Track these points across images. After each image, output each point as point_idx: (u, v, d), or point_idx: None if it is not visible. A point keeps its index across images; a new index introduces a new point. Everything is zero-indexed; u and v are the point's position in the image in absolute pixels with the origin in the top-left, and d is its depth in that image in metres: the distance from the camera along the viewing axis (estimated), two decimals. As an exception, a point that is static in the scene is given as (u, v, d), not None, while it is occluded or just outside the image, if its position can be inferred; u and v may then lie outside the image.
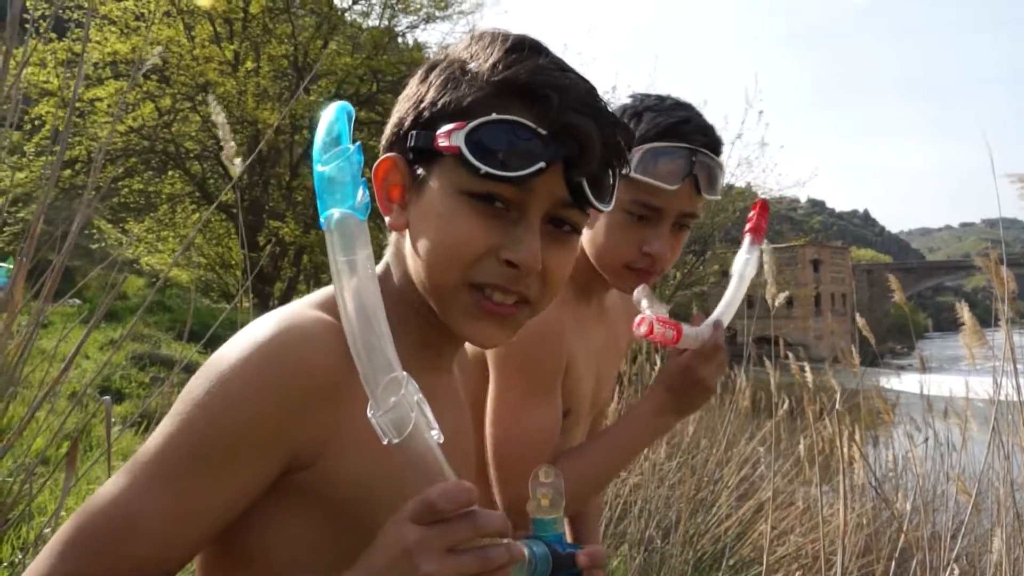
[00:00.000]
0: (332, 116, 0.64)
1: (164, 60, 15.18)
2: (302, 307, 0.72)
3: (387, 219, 0.75)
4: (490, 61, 0.70)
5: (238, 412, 0.63)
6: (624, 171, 1.09)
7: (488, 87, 0.69)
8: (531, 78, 0.69)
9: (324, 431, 0.66)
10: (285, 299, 17.07)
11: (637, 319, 1.09)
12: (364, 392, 0.63)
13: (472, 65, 0.71)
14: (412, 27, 18.60)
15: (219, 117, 1.61)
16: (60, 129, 13.38)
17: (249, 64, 16.25)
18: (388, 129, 0.76)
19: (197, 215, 16.06)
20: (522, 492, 1.11)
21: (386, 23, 18.19)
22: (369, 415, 0.57)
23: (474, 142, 0.66)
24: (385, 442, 0.57)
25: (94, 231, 15.91)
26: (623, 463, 1.30)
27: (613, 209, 1.14)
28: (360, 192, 0.61)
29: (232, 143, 1.58)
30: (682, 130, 1.14)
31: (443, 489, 0.58)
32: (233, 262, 16.46)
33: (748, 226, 1.23)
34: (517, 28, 0.74)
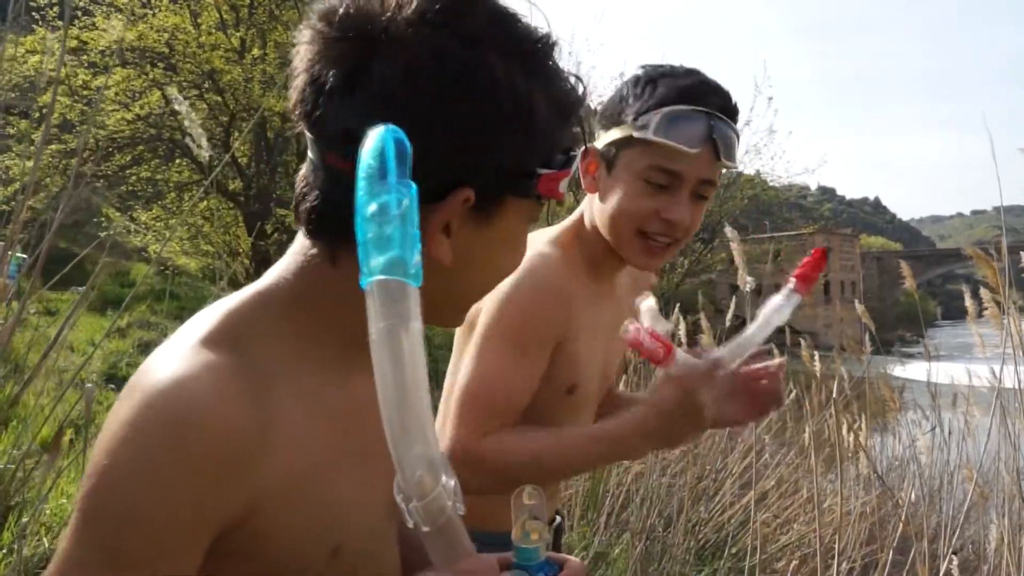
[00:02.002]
0: (375, 143, 0.53)
1: (170, 47, 15.18)
2: (192, 352, 0.61)
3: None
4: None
5: (151, 507, 0.56)
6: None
7: None
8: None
9: (248, 493, 0.60)
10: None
11: (631, 327, 1.01)
12: (283, 436, 0.61)
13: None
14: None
15: (182, 107, 1.59)
16: (63, 116, 13.36)
17: (255, 51, 16.22)
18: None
19: (204, 203, 16.07)
20: (455, 440, 1.11)
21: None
22: (398, 499, 0.54)
23: None
24: (410, 524, 0.54)
25: (102, 219, 15.98)
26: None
27: (630, 178, 1.14)
28: (415, 252, 0.52)
29: (199, 129, 1.56)
30: (701, 93, 1.12)
31: (471, 568, 0.58)
32: (241, 250, 16.49)
33: (797, 271, 1.13)
34: (523, 12, 0.69)
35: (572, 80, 0.70)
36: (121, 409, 0.59)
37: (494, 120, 0.63)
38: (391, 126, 0.54)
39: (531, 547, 0.75)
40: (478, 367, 1.13)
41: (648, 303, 1.08)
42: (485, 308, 1.14)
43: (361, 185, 0.52)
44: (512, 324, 1.13)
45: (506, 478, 1.01)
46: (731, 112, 1.14)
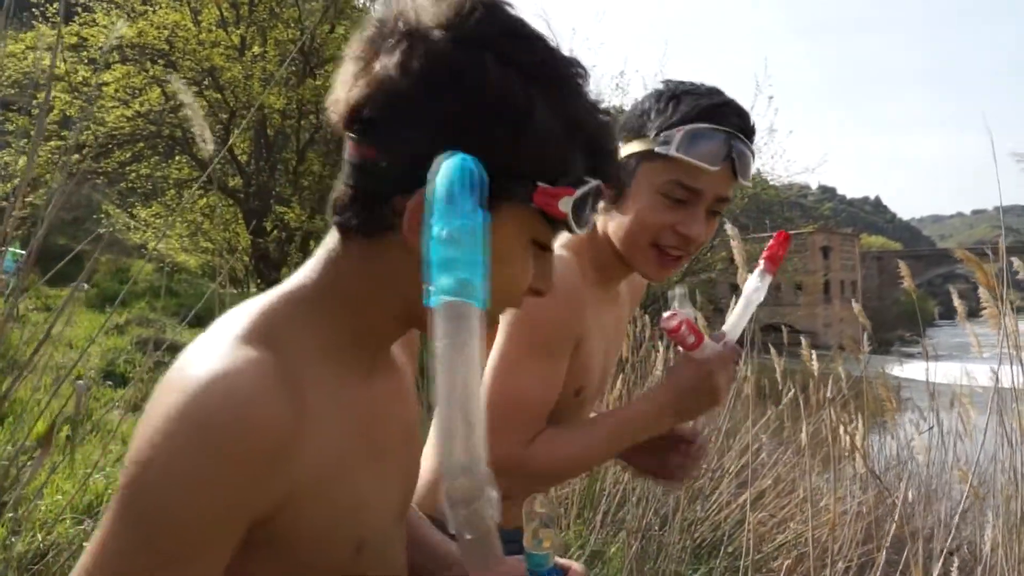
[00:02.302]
0: (447, 169, 0.56)
1: (170, 44, 15.16)
2: (231, 348, 0.63)
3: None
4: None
5: (192, 501, 0.58)
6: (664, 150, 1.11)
7: None
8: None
9: (283, 486, 0.62)
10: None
11: (668, 313, 1.10)
12: (314, 432, 0.63)
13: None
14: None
15: (187, 96, 1.57)
16: (63, 113, 13.33)
17: (256, 49, 16.20)
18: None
19: (203, 200, 16.06)
20: (502, 449, 1.12)
21: (393, 7, 18.09)
22: (444, 505, 0.57)
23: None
24: (452, 530, 0.58)
25: (102, 216, 15.97)
26: (612, 455, 1.30)
27: (649, 191, 1.16)
28: (480, 276, 0.55)
29: (202, 121, 1.54)
30: (723, 113, 1.15)
31: (504, 572, 0.66)
32: (240, 247, 16.49)
33: (764, 253, 1.23)
34: (527, 11, 0.71)
35: (600, 112, 0.70)
36: (162, 402, 0.60)
37: (479, 115, 0.63)
38: (464, 154, 0.56)
39: (542, 553, 0.79)
40: (511, 374, 1.15)
41: (680, 290, 1.14)
42: (503, 320, 1.16)
43: (433, 209, 0.55)
44: (538, 328, 1.15)
45: (551, 479, 1.05)
46: (749, 132, 1.17)
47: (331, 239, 0.72)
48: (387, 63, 0.65)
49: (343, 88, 0.68)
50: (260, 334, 0.65)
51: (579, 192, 0.67)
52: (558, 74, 0.67)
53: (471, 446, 0.55)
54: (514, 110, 0.64)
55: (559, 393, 1.18)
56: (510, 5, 0.68)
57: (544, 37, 0.68)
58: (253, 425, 0.59)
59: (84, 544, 2.30)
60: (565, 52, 0.69)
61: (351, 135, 0.68)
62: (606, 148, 0.71)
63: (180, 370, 0.62)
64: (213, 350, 0.63)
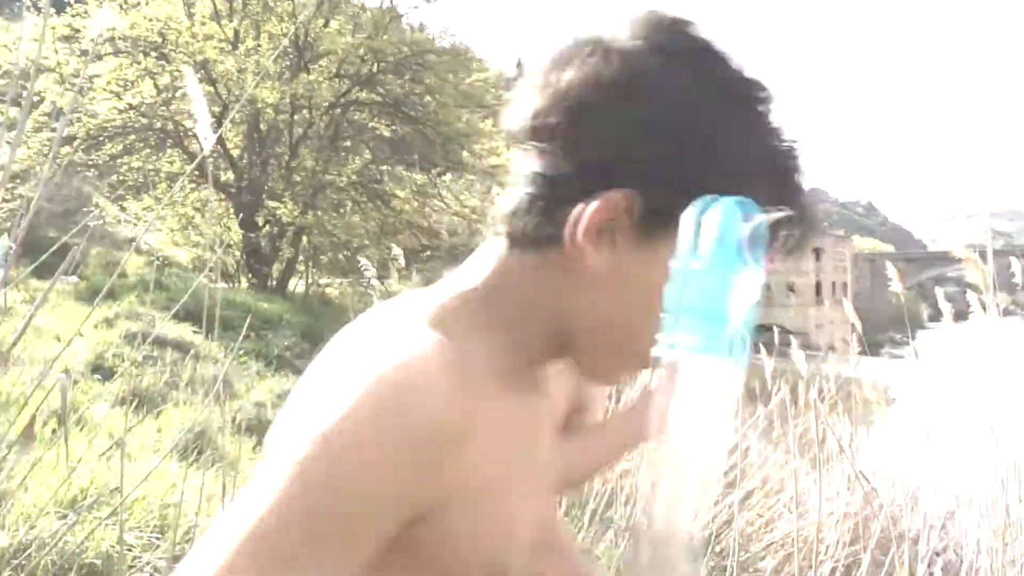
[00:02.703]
0: (725, 213, 0.54)
1: (163, 37, 15.09)
2: (419, 330, 0.63)
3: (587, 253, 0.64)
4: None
5: (364, 478, 0.56)
6: None
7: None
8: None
9: (448, 482, 0.60)
10: (283, 280, 17.05)
11: None
12: (484, 433, 0.61)
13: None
14: (414, 7, 18.44)
15: (195, 90, 1.55)
16: (53, 104, 13.27)
17: (249, 42, 16.13)
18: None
19: (195, 194, 15.98)
20: None
21: (387, 3, 18.04)
22: (639, 568, 0.54)
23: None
24: None
25: (93, 209, 15.86)
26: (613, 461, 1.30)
27: None
28: (733, 331, 0.52)
29: (207, 115, 1.51)
30: None
31: None
32: (232, 242, 16.42)
33: None
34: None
35: (788, 140, 0.66)
36: (345, 375, 0.59)
37: (665, 125, 0.62)
38: (740, 199, 0.54)
39: None
40: None
41: None
42: None
43: (706, 254, 0.53)
44: None
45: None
46: None
47: (498, 245, 0.69)
48: (577, 73, 0.64)
49: (529, 98, 0.66)
50: (443, 325, 0.64)
51: (760, 223, 0.60)
52: (748, 94, 0.64)
53: (675, 515, 0.53)
54: (702, 124, 0.62)
55: None
56: (697, 26, 0.66)
57: (733, 57, 0.65)
58: (434, 413, 0.57)
59: (67, 539, 2.28)
60: (752, 74, 0.66)
61: (535, 143, 0.65)
62: (794, 178, 0.66)
63: (360, 346, 0.63)
64: (400, 332, 0.63)
